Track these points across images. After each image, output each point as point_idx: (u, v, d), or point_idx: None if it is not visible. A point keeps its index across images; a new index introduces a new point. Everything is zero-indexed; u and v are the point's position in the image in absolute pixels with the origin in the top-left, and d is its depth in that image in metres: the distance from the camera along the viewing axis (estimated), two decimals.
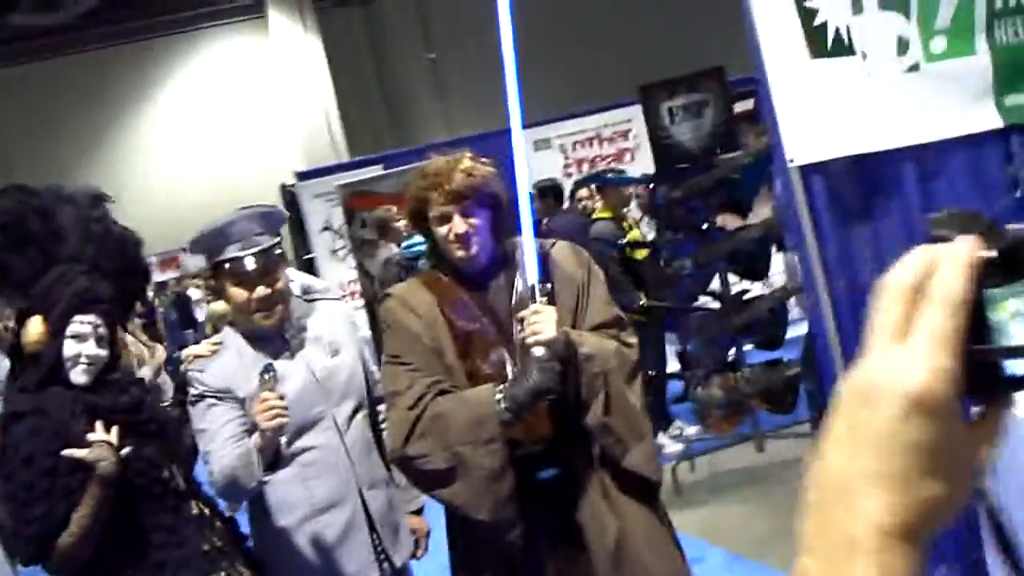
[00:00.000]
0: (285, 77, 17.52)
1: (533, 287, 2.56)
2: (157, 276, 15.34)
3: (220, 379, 2.83)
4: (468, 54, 19.50)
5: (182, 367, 2.94)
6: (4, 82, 16.98)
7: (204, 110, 17.82)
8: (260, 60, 18.10)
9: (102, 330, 2.70)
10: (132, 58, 17.88)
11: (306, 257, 9.78)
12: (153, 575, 2.64)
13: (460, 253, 2.68)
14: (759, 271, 5.92)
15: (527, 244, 2.64)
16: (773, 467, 5.66)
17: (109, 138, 17.82)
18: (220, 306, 6.45)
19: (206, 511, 2.84)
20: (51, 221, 2.78)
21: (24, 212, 2.76)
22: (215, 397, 2.82)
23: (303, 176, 10.04)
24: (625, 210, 7.07)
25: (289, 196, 10.16)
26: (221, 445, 2.75)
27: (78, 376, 2.66)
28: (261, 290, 2.81)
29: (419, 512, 3.12)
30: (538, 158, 10.55)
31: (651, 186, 6.81)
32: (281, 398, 2.62)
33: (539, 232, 7.28)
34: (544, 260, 2.68)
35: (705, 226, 5.73)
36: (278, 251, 2.87)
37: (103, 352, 2.70)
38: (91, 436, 2.59)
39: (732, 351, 5.98)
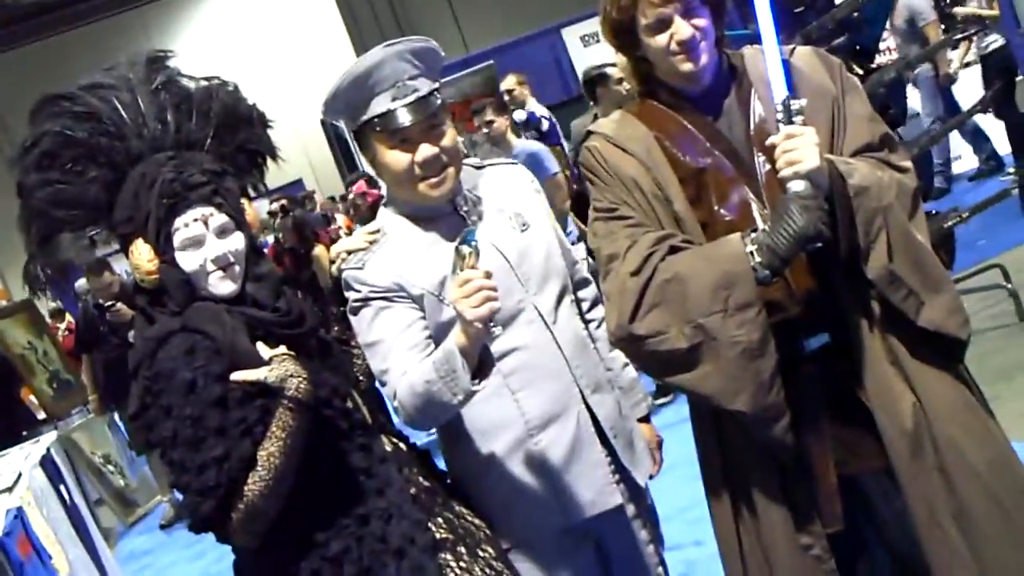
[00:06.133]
0: (293, 27, 16.98)
1: (785, 103, 2.00)
2: None
3: (387, 274, 2.22)
4: None
5: (333, 268, 2.34)
6: (3, 66, 16.43)
7: (213, 68, 17.55)
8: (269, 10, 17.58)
9: (217, 217, 2.04)
10: (129, 26, 17.28)
11: None
12: (357, 533, 2.05)
13: (687, 67, 2.11)
14: (895, 119, 5.23)
15: (769, 49, 2.04)
16: None
17: None
18: None
19: (401, 446, 2.26)
20: (101, 119, 2.09)
21: (66, 128, 2.07)
22: (384, 298, 2.21)
23: None
24: None
25: (333, 129, 9.59)
26: (403, 358, 2.16)
27: (219, 286, 2.04)
28: (425, 149, 2.19)
29: (646, 419, 2.51)
30: (587, 53, 9.97)
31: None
32: (488, 276, 1.99)
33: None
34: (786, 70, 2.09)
35: None
36: (439, 99, 2.23)
37: (234, 242, 2.06)
38: (265, 351, 1.99)
39: None
